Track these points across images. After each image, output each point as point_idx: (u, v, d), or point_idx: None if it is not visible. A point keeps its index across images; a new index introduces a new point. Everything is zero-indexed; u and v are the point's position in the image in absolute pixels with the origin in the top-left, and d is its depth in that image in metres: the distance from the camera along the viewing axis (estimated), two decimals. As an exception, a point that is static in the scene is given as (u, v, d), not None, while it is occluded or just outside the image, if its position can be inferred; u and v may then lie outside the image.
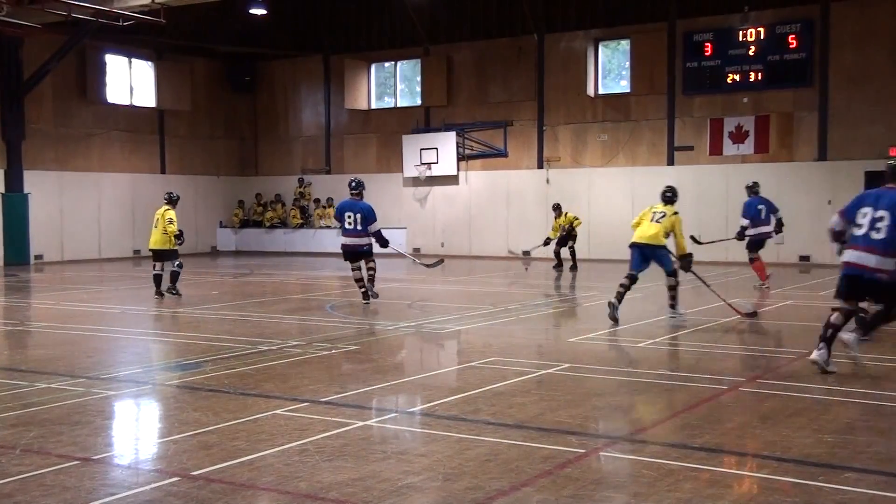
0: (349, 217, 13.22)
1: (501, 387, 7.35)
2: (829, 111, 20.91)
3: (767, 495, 4.73)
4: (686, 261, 11.45)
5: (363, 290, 13.33)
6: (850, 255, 7.80)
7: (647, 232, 11.25)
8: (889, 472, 5.04)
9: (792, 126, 21.36)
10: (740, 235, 15.68)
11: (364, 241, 13.27)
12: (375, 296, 13.36)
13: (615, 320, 11.05)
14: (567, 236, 19.85)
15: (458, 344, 10.14)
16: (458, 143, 24.69)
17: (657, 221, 11.25)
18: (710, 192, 21.93)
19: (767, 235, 15.51)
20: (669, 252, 11.38)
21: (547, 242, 20.24)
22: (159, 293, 14.36)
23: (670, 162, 22.68)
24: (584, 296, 15.45)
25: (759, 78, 21.37)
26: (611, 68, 24.37)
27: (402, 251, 14.68)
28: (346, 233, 13.35)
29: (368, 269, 13.44)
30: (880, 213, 7.59)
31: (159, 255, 14.52)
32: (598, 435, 5.97)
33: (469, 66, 25.20)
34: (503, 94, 24.56)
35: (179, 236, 14.46)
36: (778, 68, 21.16)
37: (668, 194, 11.68)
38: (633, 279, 11.35)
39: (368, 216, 13.25)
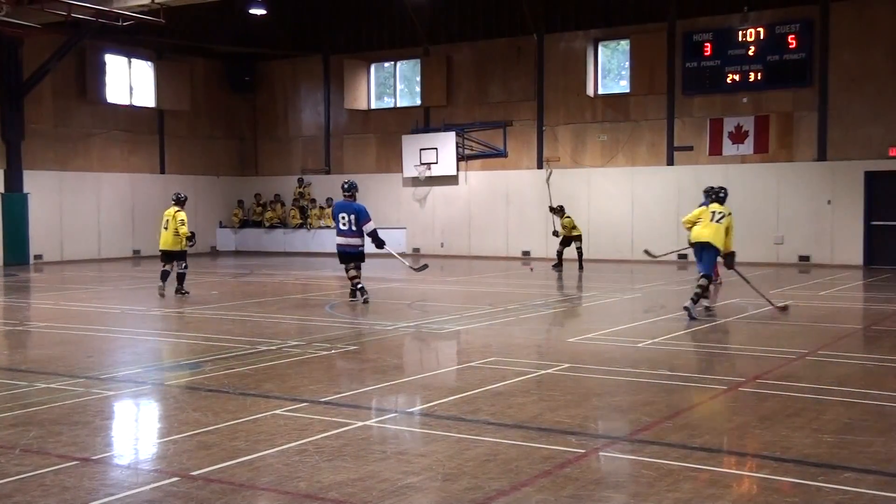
0: (343, 218, 13.38)
1: (501, 387, 7.35)
2: (829, 111, 20.91)
3: (767, 495, 4.73)
4: (730, 258, 12.01)
5: (360, 286, 13.40)
6: None
7: (709, 231, 11.78)
8: (889, 473, 5.04)
9: (791, 126, 21.36)
10: None
11: (358, 241, 13.43)
12: (355, 298, 13.41)
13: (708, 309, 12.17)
14: (570, 237, 19.82)
15: (457, 344, 10.14)
16: (457, 144, 24.70)
17: (718, 221, 11.77)
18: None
19: None
20: (718, 256, 11.88)
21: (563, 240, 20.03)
22: (162, 287, 14.45)
23: (670, 162, 22.68)
24: (584, 296, 15.45)
25: (759, 78, 21.37)
26: (610, 68, 24.38)
27: (393, 252, 14.68)
28: (340, 233, 13.49)
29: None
30: None
31: (169, 256, 14.59)
32: (597, 435, 5.97)
33: (469, 67, 25.20)
34: (503, 95, 24.56)
35: (192, 238, 14.58)
36: (777, 68, 21.16)
37: (721, 194, 12.21)
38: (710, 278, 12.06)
39: (362, 216, 13.36)
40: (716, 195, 12.20)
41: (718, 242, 11.68)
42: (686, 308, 11.49)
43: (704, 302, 12.13)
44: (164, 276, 14.55)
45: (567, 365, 8.29)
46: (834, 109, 20.85)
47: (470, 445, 5.59)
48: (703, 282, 11.73)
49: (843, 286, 16.02)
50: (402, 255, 15.62)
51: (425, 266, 15.48)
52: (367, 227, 13.38)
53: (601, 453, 5.49)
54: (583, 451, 5.50)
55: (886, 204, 20.41)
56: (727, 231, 11.77)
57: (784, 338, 10.23)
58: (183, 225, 14.40)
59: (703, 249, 11.82)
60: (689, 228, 12.13)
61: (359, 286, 13.39)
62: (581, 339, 10.10)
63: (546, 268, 20.26)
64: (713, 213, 11.87)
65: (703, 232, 11.80)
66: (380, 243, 13.54)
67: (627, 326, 11.07)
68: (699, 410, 6.58)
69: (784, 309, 12.17)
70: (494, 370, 8.08)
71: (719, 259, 16.22)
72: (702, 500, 4.58)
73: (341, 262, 13.66)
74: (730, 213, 11.92)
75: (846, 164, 20.70)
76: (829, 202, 20.92)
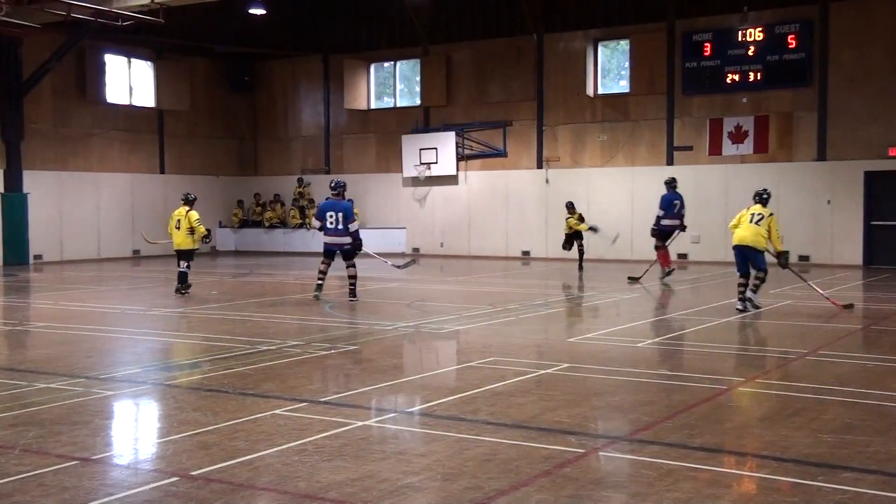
0: (331, 217, 13.55)
1: (500, 387, 7.35)
2: (828, 111, 20.91)
3: (767, 495, 4.74)
4: (783, 258, 12.32)
5: (320, 282, 13.66)
6: None
7: (748, 234, 12.02)
8: (888, 472, 5.04)
9: (791, 126, 21.36)
10: (656, 227, 16.80)
11: (346, 239, 13.66)
12: (355, 298, 13.50)
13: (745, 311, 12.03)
14: (575, 235, 19.87)
15: (457, 344, 10.14)
16: (457, 144, 24.70)
17: (756, 223, 11.99)
18: (710, 192, 21.95)
19: (675, 228, 16.90)
20: (765, 254, 12.15)
21: (568, 244, 20.15)
22: (187, 287, 14.68)
23: (670, 162, 22.68)
24: (584, 296, 15.45)
25: (759, 78, 21.37)
26: (610, 68, 24.38)
27: (371, 252, 14.77)
28: (328, 232, 13.67)
29: (350, 277, 13.70)
30: None
31: (183, 255, 14.80)
32: (597, 435, 5.97)
33: (468, 66, 25.20)
34: (502, 94, 24.56)
35: (208, 235, 14.97)
36: (777, 68, 21.16)
37: (765, 196, 12.39)
38: (746, 279, 12.21)
39: (349, 215, 13.58)
40: (759, 197, 12.39)
41: (758, 244, 11.93)
42: (748, 300, 12.07)
43: (738, 305, 12.18)
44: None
45: (567, 365, 8.29)
46: (833, 109, 20.86)
47: (469, 445, 5.59)
48: (759, 275, 12.11)
49: (843, 286, 16.02)
50: (381, 254, 15.75)
51: (411, 262, 15.52)
52: (351, 227, 13.56)
53: (601, 453, 5.49)
54: (582, 450, 5.50)
55: (886, 204, 20.42)
56: (770, 232, 11.98)
57: (784, 337, 10.24)
58: (200, 224, 14.71)
59: (743, 252, 12.05)
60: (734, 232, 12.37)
61: (319, 281, 13.67)
62: (581, 338, 10.10)
63: (546, 268, 20.24)
64: (752, 214, 12.09)
65: (742, 234, 12.07)
66: (359, 245, 13.66)
67: (627, 326, 11.07)
68: (699, 410, 6.58)
69: (849, 307, 12.34)
70: (494, 370, 8.09)
71: (665, 245, 16.62)
72: (702, 500, 4.58)
73: (325, 257, 13.80)
74: (771, 214, 12.10)
75: (845, 164, 20.70)
76: (828, 202, 20.92)
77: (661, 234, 16.73)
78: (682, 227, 17.01)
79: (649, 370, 8.13)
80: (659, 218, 16.69)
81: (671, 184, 17.06)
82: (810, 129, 21.13)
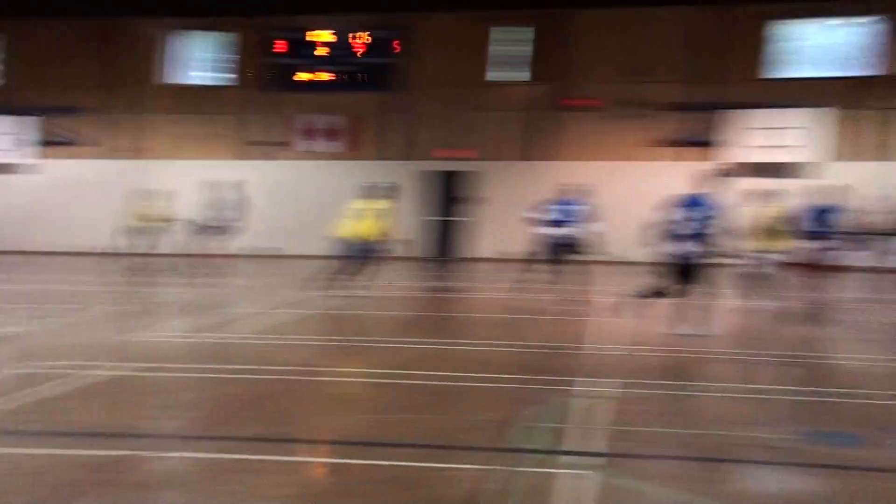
0: None
1: (55, 392, 6.64)
2: (404, 115, 22.60)
3: (333, 477, 4.87)
4: (392, 247, 13.06)
5: None
6: None
7: (353, 226, 12.54)
8: (437, 445, 5.44)
9: (368, 127, 22.73)
10: (204, 226, 17.84)
11: None
12: None
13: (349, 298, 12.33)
14: (155, 229, 19.01)
15: (13, 348, 8.98)
16: (19, 130, 22.22)
17: (365, 217, 12.53)
18: (297, 189, 22.47)
19: (224, 230, 17.96)
20: (370, 245, 12.66)
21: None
22: None
23: (251, 157, 22.76)
24: (160, 291, 14.80)
25: (344, 79, 22.53)
26: (192, 58, 23.71)
27: None
28: None
29: None
30: None
31: None
32: (158, 435, 5.63)
33: (35, 46, 22.83)
34: (73, 78, 22.69)
35: None
36: (364, 71, 22.50)
37: (373, 189, 12.95)
38: (346, 269, 12.59)
39: None
40: (368, 190, 13.00)
41: (362, 235, 12.54)
42: (346, 290, 12.55)
43: (341, 293, 12.57)
44: None
45: (132, 364, 7.75)
46: (409, 113, 22.60)
47: (8, 461, 4.92)
48: (355, 267, 12.64)
49: (403, 277, 17.36)
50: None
51: None
52: None
53: (161, 454, 5.17)
54: (140, 453, 5.15)
55: (436, 200, 22.79)
56: (381, 223, 12.60)
57: (363, 327, 10.74)
58: None
59: (346, 243, 12.61)
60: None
61: None
62: (149, 337, 9.58)
63: (137, 263, 19.03)
64: (360, 209, 12.71)
65: (347, 226, 12.65)
66: None
67: (202, 321, 10.79)
68: (267, 401, 6.56)
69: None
70: (51, 374, 7.28)
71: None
72: (265, 489, 4.53)
73: None
74: (387, 207, 12.78)
75: (413, 164, 22.55)
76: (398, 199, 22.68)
77: (208, 232, 17.59)
78: (228, 230, 17.58)
79: (221, 365, 7.95)
80: (207, 218, 17.45)
81: (225, 186, 17.58)
82: (389, 129, 22.69)
